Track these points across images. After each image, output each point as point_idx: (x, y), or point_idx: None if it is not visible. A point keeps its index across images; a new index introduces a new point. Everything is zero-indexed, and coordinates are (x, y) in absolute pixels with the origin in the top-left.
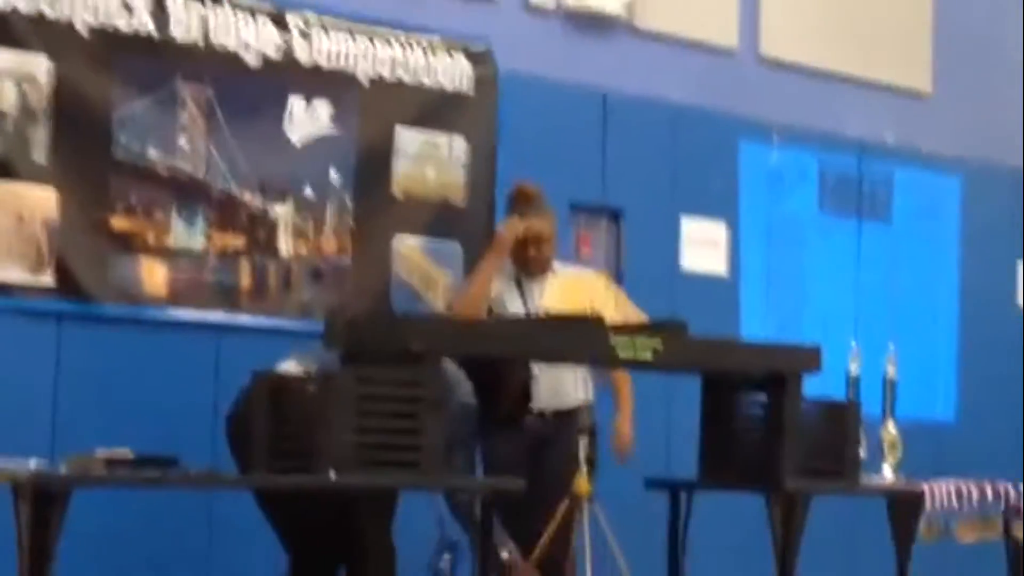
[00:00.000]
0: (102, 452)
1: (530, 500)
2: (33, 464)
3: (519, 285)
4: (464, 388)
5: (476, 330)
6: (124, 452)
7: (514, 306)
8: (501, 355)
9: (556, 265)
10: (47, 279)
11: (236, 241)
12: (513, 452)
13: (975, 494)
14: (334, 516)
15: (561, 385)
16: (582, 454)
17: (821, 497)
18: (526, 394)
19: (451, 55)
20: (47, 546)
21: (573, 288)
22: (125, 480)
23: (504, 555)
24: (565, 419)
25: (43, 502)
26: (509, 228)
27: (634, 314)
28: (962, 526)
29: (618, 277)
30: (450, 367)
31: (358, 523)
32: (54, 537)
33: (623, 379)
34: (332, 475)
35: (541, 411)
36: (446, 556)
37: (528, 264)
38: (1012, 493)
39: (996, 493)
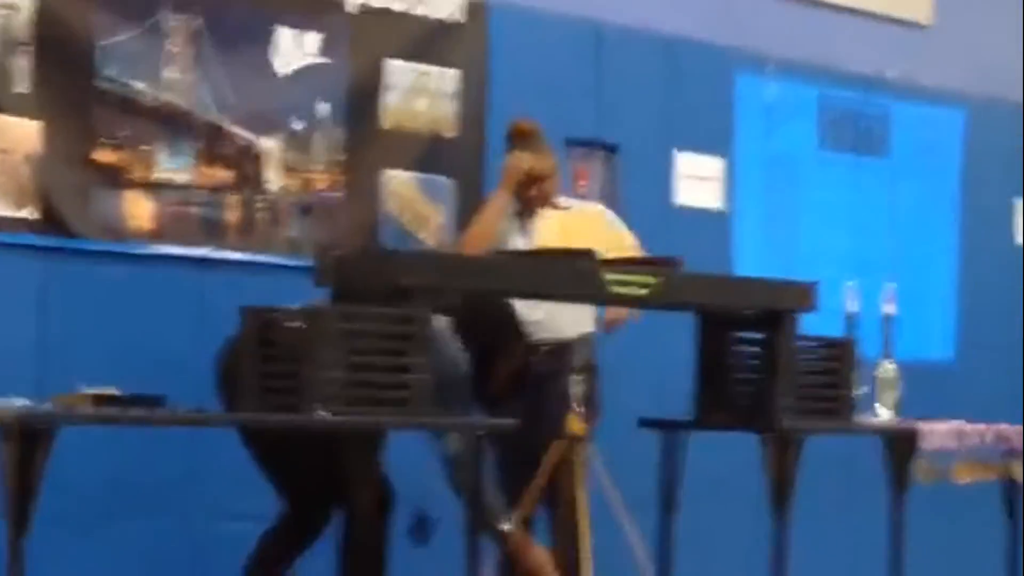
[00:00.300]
0: (88, 390)
1: (527, 442)
2: (18, 402)
3: (521, 222)
4: (452, 346)
5: (467, 266)
6: (110, 390)
7: (515, 243)
8: (493, 291)
9: (560, 200)
10: (31, 214)
11: (223, 175)
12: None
13: (973, 435)
14: (322, 455)
15: (557, 318)
16: (574, 392)
17: (816, 437)
18: (518, 379)
19: None
20: (32, 485)
21: (571, 223)
22: (112, 419)
23: (505, 527)
24: (563, 355)
25: (28, 441)
26: (515, 164)
27: (634, 250)
28: (959, 467)
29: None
30: (440, 326)
31: (345, 460)
32: (39, 476)
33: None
34: (320, 413)
35: (537, 346)
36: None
37: (530, 203)
38: (1011, 434)
39: (994, 434)
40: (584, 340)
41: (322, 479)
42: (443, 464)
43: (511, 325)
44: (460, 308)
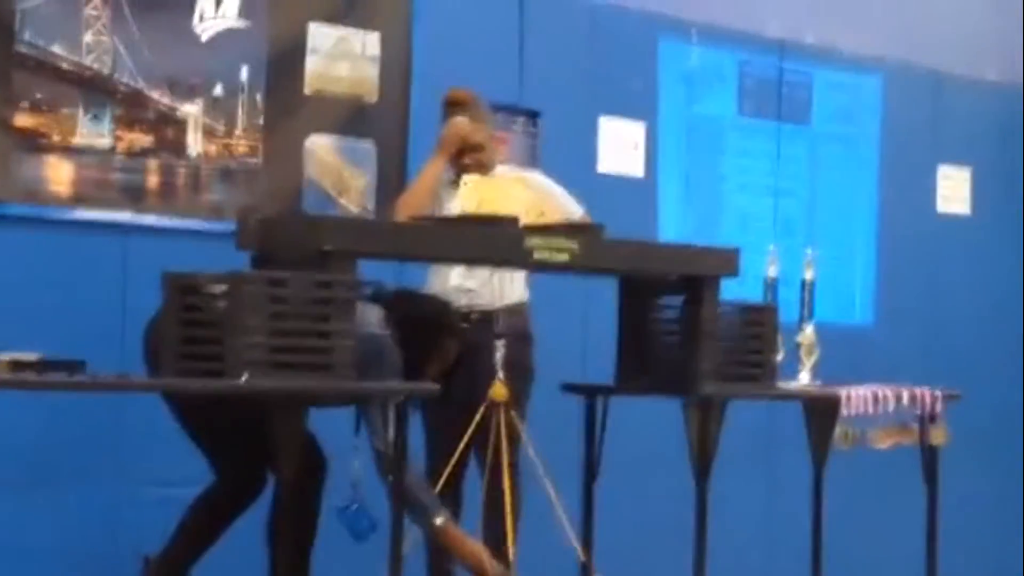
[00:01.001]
0: (6, 355)
1: (459, 411)
2: None
3: (456, 189)
4: (371, 318)
5: (390, 232)
6: (30, 356)
7: (451, 210)
8: (415, 257)
9: (501, 168)
10: None
11: (143, 140)
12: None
13: (891, 399)
14: (249, 422)
15: (490, 287)
16: (497, 358)
17: (738, 402)
18: (449, 376)
19: None
20: None
21: (497, 189)
22: (31, 384)
23: (438, 521)
24: (494, 323)
25: None
26: (453, 131)
27: (574, 212)
28: (877, 432)
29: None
30: (372, 316)
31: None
32: None
33: None
34: (244, 379)
35: (467, 314)
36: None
37: (465, 170)
38: (928, 398)
39: (912, 398)
40: (516, 308)
41: (250, 447)
42: (373, 456)
43: (445, 323)
44: (394, 303)
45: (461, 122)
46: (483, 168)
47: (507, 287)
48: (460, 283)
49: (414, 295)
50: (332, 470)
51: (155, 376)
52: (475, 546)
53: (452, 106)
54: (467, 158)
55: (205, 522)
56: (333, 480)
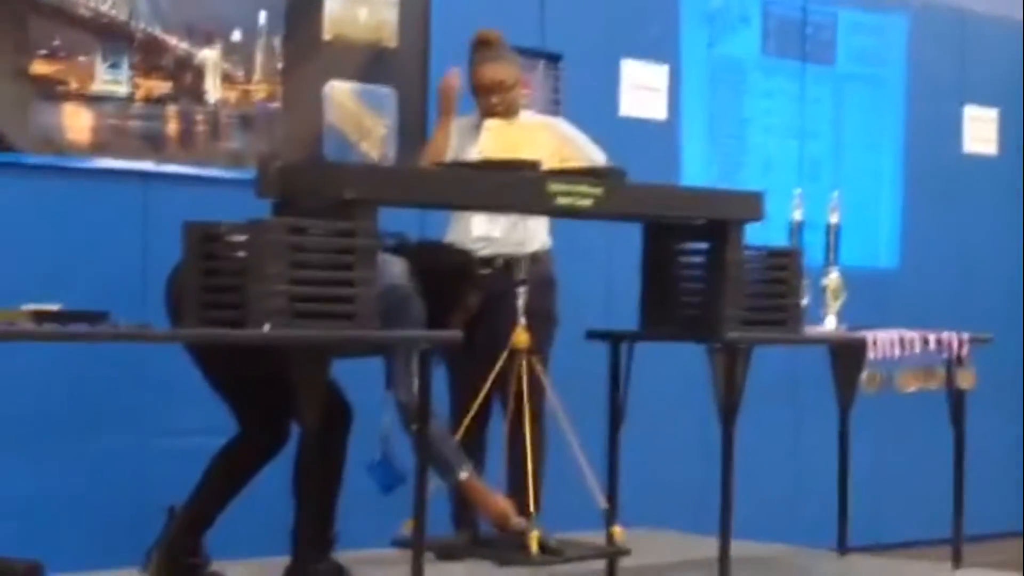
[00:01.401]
0: (29, 306)
1: (482, 358)
2: None
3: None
4: (395, 270)
5: (411, 178)
6: (52, 307)
7: (472, 153)
8: (437, 204)
9: (524, 114)
10: None
11: (162, 87)
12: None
13: (917, 343)
14: (272, 372)
15: (512, 234)
16: (520, 305)
17: (763, 347)
18: (472, 327)
19: None
20: None
21: (520, 134)
22: (54, 336)
23: (462, 475)
24: (516, 270)
25: None
26: (446, 83)
27: (597, 159)
28: (904, 375)
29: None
30: (396, 269)
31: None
32: None
33: None
34: (265, 328)
35: (490, 260)
36: (383, 470)
37: (492, 112)
38: (955, 341)
39: (939, 342)
40: (538, 255)
41: (274, 397)
42: (397, 408)
43: (468, 275)
44: (418, 255)
45: (452, 73)
46: (510, 110)
47: (530, 234)
48: (483, 232)
49: (437, 247)
50: (362, 423)
51: (177, 326)
52: (500, 500)
53: (480, 46)
54: (495, 98)
55: (229, 473)
56: (363, 433)
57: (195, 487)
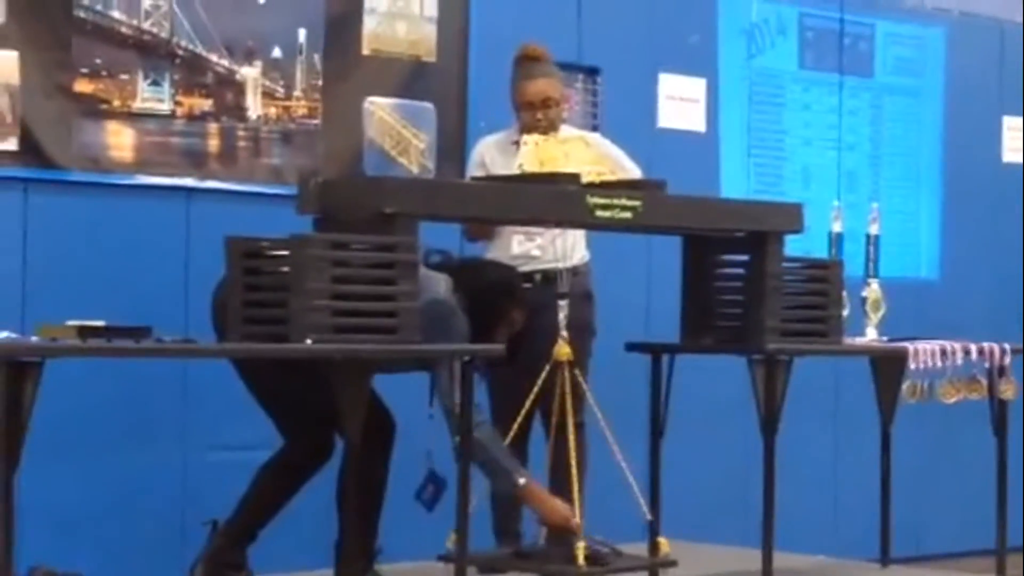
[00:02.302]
0: (74, 322)
1: (521, 372)
2: (4, 335)
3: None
4: (439, 286)
5: (451, 192)
6: (96, 323)
7: (511, 169)
8: (477, 218)
9: (564, 128)
10: (10, 145)
11: (203, 104)
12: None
13: (959, 353)
14: (316, 387)
15: (552, 248)
16: (562, 318)
17: (804, 358)
18: (516, 344)
19: None
20: (20, 418)
21: (558, 148)
22: (100, 351)
23: (521, 481)
24: (556, 284)
25: (16, 373)
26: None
27: (633, 174)
28: (946, 386)
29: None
30: (440, 287)
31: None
32: (28, 409)
33: None
34: (308, 342)
35: (530, 275)
36: (430, 487)
37: (535, 127)
38: (997, 352)
39: (980, 352)
40: (578, 268)
41: (319, 411)
42: (446, 418)
43: (512, 292)
44: (462, 272)
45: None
46: (552, 126)
47: (569, 248)
48: (523, 248)
49: (481, 263)
50: (404, 438)
51: (223, 340)
52: (559, 504)
53: (527, 61)
54: (539, 114)
55: (274, 487)
56: (406, 448)
57: (240, 501)
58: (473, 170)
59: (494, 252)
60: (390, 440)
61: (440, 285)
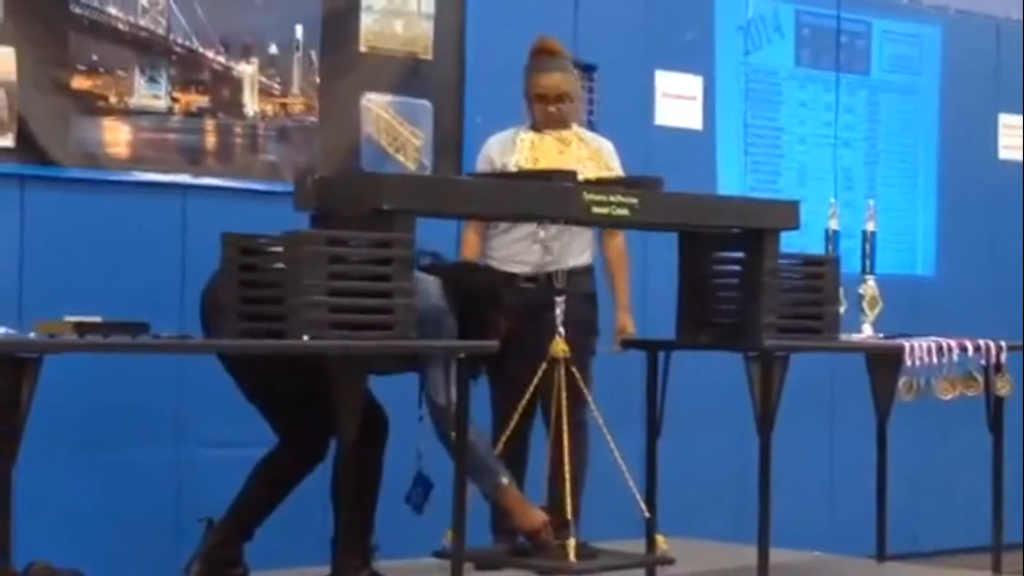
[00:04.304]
0: (71, 318)
1: (523, 369)
2: (1, 331)
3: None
4: (430, 288)
5: (448, 188)
6: (94, 318)
7: (510, 166)
8: (474, 215)
9: (575, 128)
10: (7, 142)
11: (200, 100)
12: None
13: (955, 350)
14: (309, 384)
15: (555, 249)
16: (558, 314)
17: (800, 355)
18: (513, 331)
19: None
20: (19, 414)
21: (553, 146)
22: (97, 347)
23: (503, 480)
24: (556, 283)
25: (14, 370)
26: None
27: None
28: (942, 383)
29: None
30: (428, 285)
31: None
32: (26, 405)
33: (618, 260)
34: (304, 339)
35: (533, 275)
36: (418, 490)
37: (548, 120)
38: (993, 348)
39: (976, 349)
40: (579, 270)
41: (312, 410)
42: (432, 414)
43: (495, 300)
44: (450, 274)
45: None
46: (565, 121)
47: (572, 249)
48: (525, 247)
49: (472, 267)
50: (403, 438)
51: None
52: (536, 513)
53: (543, 54)
54: (552, 107)
55: (269, 484)
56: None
57: (235, 498)
58: (481, 167)
59: (496, 248)
60: (383, 435)
61: (431, 287)
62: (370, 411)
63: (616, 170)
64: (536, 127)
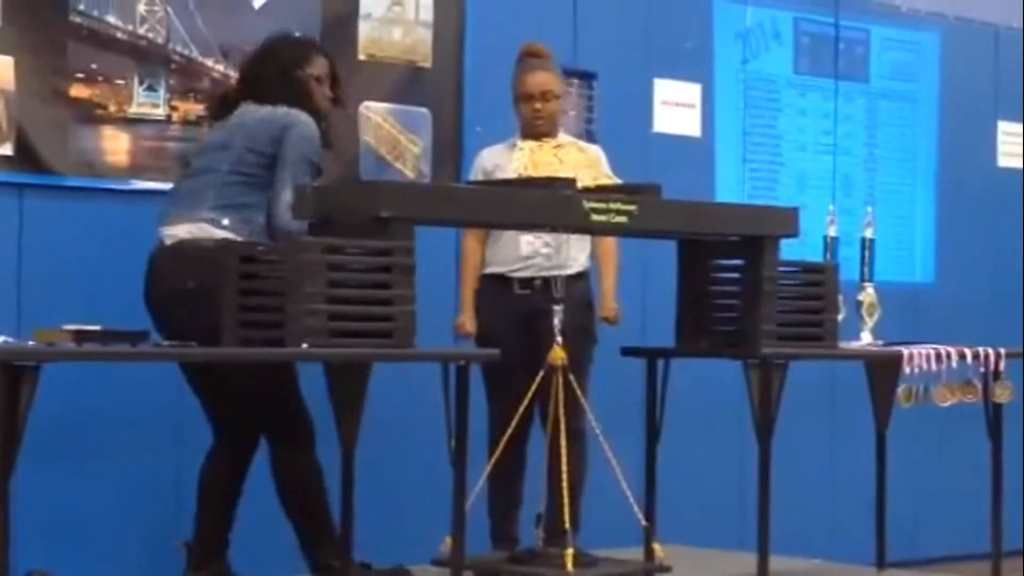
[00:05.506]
0: (70, 326)
1: (521, 375)
2: (0, 339)
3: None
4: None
5: (447, 196)
6: (92, 326)
7: (509, 174)
8: (473, 222)
9: (561, 136)
10: (6, 150)
11: (198, 109)
12: (505, 326)
13: (954, 357)
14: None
15: (553, 256)
16: (556, 323)
17: (799, 362)
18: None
19: None
20: (17, 423)
21: (552, 153)
22: (96, 355)
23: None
24: (553, 290)
25: (12, 377)
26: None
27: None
28: (940, 390)
29: (591, 141)
30: None
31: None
32: (24, 413)
33: (608, 250)
34: (304, 346)
35: (530, 280)
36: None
37: (535, 119)
38: (992, 356)
39: (975, 356)
40: (577, 277)
41: (239, 409)
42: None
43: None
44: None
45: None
46: (551, 122)
47: (570, 257)
48: (525, 253)
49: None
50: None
51: (163, 331)
52: None
53: (528, 56)
54: (539, 104)
55: (215, 488)
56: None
57: (195, 516)
58: (474, 178)
59: (495, 255)
60: (311, 438)
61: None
62: (298, 416)
63: (613, 177)
64: (525, 131)
